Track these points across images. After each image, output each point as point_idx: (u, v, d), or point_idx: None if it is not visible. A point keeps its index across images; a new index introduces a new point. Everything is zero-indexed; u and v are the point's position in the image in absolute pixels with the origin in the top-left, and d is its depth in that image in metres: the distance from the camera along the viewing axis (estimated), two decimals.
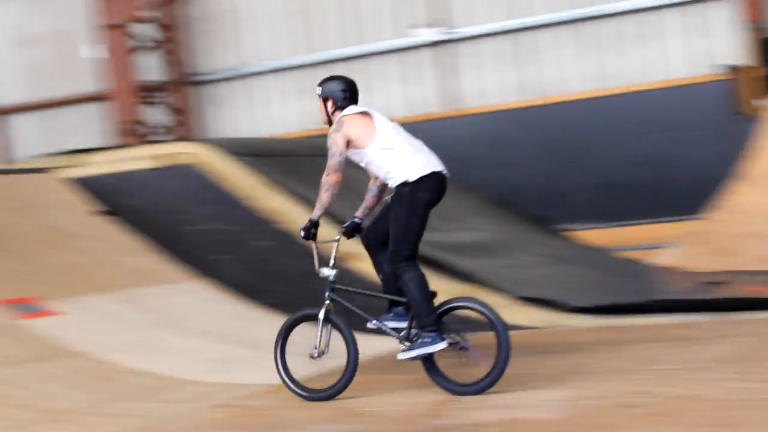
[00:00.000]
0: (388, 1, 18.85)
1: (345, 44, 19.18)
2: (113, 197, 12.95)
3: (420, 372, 7.91)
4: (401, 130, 7.88)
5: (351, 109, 7.89)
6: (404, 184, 7.62)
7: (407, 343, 7.64)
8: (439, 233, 13.59)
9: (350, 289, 8.24)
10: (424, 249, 12.09)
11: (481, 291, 11.62)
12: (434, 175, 7.65)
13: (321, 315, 7.88)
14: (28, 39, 21.87)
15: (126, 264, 11.90)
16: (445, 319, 7.66)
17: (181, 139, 18.81)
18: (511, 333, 7.46)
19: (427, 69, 18.81)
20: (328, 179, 7.76)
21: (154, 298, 11.38)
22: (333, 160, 7.73)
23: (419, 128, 17.89)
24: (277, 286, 12.04)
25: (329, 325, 7.91)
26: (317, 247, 7.87)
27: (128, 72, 19.40)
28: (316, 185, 12.93)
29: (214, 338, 10.58)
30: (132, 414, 7.66)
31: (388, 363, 9.48)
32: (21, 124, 22.49)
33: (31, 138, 22.20)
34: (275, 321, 11.47)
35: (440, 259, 12.16)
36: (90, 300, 10.73)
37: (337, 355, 7.82)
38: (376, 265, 8.04)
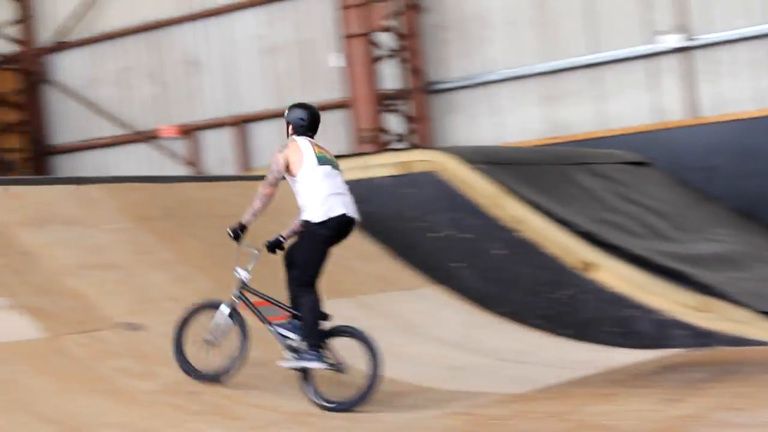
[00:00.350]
0: (630, 8, 18.46)
1: (585, 51, 18.89)
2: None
3: (658, 385, 7.76)
4: (328, 170, 8.47)
5: (301, 138, 8.60)
6: (309, 221, 8.37)
7: (293, 354, 8.33)
8: (678, 244, 13.29)
9: (259, 293, 8.72)
10: (661, 259, 12.01)
11: (720, 304, 11.31)
12: (338, 217, 8.38)
13: (224, 307, 8.55)
14: (272, 48, 22.49)
15: (365, 270, 12.10)
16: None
17: (418, 146, 18.96)
18: (752, 348, 7.24)
19: (667, 76, 18.33)
20: (261, 191, 8.47)
21: (391, 303, 11.53)
22: (270, 176, 8.45)
23: (657, 137, 17.72)
24: (512, 295, 12.04)
25: (231, 318, 8.55)
26: (238, 249, 8.67)
27: (369, 80, 19.64)
28: (552, 194, 13.02)
29: (449, 345, 10.65)
30: (371, 419, 7.76)
31: (624, 376, 9.35)
32: (262, 131, 23.08)
33: (271, 146, 22.77)
34: (510, 330, 11.54)
35: (679, 270, 11.88)
36: (329, 304, 10.92)
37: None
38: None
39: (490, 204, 12.41)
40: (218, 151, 23.56)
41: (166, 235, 10.67)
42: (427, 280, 12.33)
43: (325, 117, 21.22)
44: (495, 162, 13.30)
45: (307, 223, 8.41)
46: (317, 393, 8.19)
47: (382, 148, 19.02)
